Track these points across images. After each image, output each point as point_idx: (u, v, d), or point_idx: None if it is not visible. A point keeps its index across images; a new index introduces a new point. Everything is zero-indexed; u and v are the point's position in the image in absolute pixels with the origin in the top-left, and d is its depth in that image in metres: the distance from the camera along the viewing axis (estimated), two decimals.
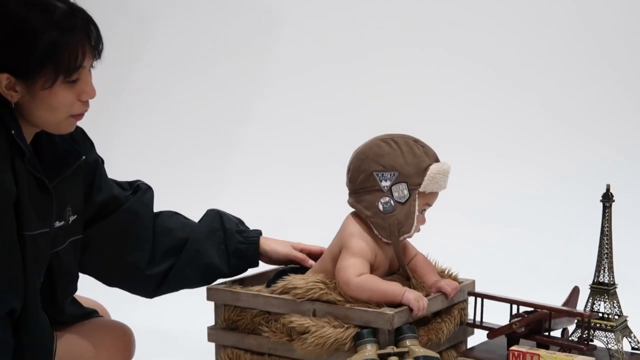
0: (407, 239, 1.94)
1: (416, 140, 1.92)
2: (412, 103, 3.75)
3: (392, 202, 1.88)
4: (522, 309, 1.95)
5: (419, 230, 1.93)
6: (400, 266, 1.92)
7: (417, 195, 1.89)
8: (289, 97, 3.91)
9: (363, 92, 3.82)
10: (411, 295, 1.80)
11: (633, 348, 1.92)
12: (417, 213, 1.89)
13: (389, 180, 1.88)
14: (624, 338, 1.89)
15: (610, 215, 1.88)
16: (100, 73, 1.70)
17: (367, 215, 1.89)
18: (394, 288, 1.82)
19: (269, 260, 2.07)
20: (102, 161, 1.98)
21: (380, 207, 1.88)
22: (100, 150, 1.96)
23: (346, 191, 1.95)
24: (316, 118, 3.82)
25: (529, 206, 3.46)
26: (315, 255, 2.07)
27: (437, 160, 1.91)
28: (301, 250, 2.07)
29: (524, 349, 1.85)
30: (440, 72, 3.86)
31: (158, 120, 3.85)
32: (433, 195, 1.92)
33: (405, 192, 1.88)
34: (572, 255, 3.04)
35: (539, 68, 3.88)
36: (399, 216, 1.88)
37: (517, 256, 3.10)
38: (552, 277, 2.81)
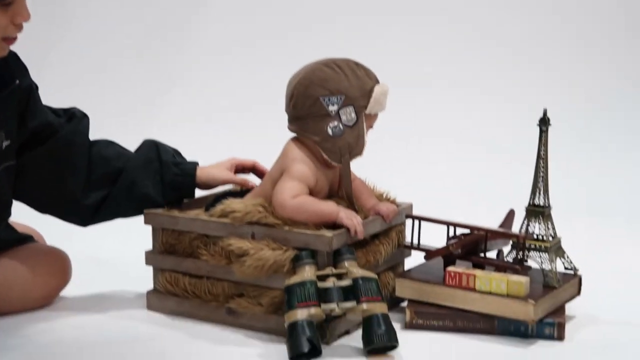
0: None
1: (357, 63, 1.91)
2: None
3: (340, 125, 1.88)
4: (459, 230, 1.98)
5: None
6: (345, 190, 1.92)
7: (364, 117, 1.89)
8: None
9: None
10: (344, 214, 1.81)
11: (566, 268, 1.96)
12: (366, 134, 1.89)
13: (336, 104, 1.87)
14: (558, 258, 1.92)
15: (546, 139, 1.90)
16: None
17: (316, 141, 1.88)
18: (329, 208, 1.83)
19: (209, 187, 2.06)
20: (37, 87, 1.93)
21: (330, 131, 1.88)
22: (34, 76, 1.92)
23: (280, 119, 1.94)
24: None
25: (467, 130, 3.48)
26: (248, 168, 2.09)
27: (378, 81, 1.91)
28: (237, 167, 2.07)
29: (460, 270, 1.88)
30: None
31: (98, 48, 3.76)
32: (375, 116, 1.93)
33: (353, 115, 1.88)
34: (509, 178, 3.08)
35: None
36: (349, 139, 1.88)
37: (454, 179, 3.13)
38: (488, 200, 2.84)
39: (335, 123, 1.88)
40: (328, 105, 1.87)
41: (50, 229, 2.16)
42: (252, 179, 2.09)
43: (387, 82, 1.94)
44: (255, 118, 3.49)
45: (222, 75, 3.62)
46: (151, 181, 1.98)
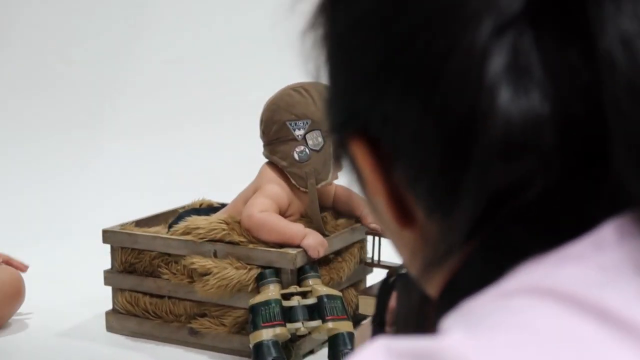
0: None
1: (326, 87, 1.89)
2: None
3: (307, 150, 1.86)
4: None
5: (336, 178, 1.92)
6: (311, 215, 1.89)
7: (331, 142, 1.86)
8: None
9: None
10: (311, 241, 1.78)
11: None
12: (333, 160, 1.87)
13: (302, 128, 1.86)
14: None
15: None
16: None
17: (284, 166, 1.87)
18: (294, 229, 1.80)
19: None
20: None
21: (296, 156, 1.86)
22: None
23: (259, 143, 1.92)
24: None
25: None
26: None
27: None
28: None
29: None
30: None
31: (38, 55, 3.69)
32: None
33: (320, 139, 1.87)
34: None
35: None
36: (316, 164, 1.86)
37: None
38: None
39: (302, 148, 1.86)
40: (294, 130, 1.85)
41: (3, 247, 2.09)
42: None
43: None
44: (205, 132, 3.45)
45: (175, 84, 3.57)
46: None
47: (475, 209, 0.42)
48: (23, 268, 2.03)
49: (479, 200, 0.41)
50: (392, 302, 0.73)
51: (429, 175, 0.44)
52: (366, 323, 0.79)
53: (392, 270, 0.78)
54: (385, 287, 0.74)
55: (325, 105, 0.50)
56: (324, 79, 0.50)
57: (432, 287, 0.49)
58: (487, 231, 0.43)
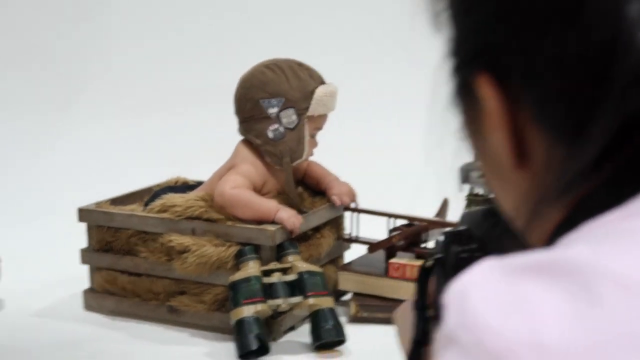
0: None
1: (300, 64, 1.88)
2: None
3: (281, 128, 1.84)
4: (399, 222, 1.97)
5: (312, 154, 1.91)
6: (288, 192, 1.88)
7: (306, 120, 1.86)
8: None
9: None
10: (284, 214, 1.78)
11: None
12: (307, 137, 1.86)
13: (276, 107, 1.84)
14: None
15: None
16: None
17: (258, 144, 1.85)
18: (267, 204, 1.79)
19: None
20: None
21: (270, 134, 1.84)
22: None
23: (234, 121, 1.90)
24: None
25: (403, 116, 3.46)
26: None
27: (322, 82, 1.88)
28: None
29: (403, 261, 1.87)
30: None
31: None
32: (322, 118, 1.90)
33: (294, 117, 1.85)
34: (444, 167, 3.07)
35: None
36: (290, 142, 1.85)
37: (391, 167, 3.12)
38: (422, 190, 2.84)
39: (276, 126, 1.84)
40: (268, 108, 1.84)
41: None
42: None
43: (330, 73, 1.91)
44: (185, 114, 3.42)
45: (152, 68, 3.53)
46: None
47: (608, 135, 0.44)
48: None
49: (612, 125, 0.44)
50: (431, 285, 0.76)
51: (563, 102, 0.46)
52: (404, 307, 0.82)
53: (428, 254, 0.82)
54: (424, 272, 0.78)
55: (450, 46, 0.52)
56: (444, 25, 0.52)
57: (537, 235, 0.50)
58: (613, 163, 0.45)
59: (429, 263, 0.77)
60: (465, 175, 1.54)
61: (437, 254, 0.77)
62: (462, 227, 1.20)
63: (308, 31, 3.51)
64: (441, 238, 1.18)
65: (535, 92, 0.47)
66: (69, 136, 3.23)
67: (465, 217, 1.06)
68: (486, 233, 1.05)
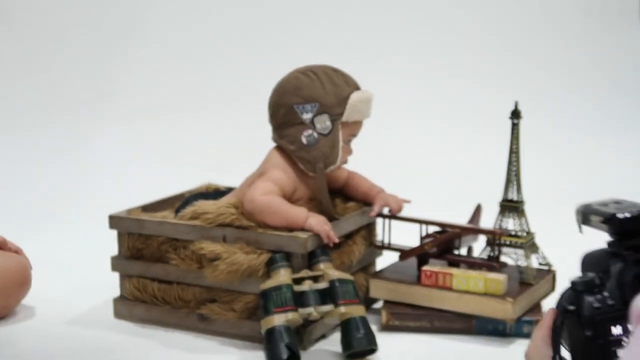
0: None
1: (335, 70, 1.86)
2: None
3: (315, 134, 1.83)
4: (431, 228, 1.94)
5: (346, 162, 1.89)
6: (320, 199, 1.86)
7: (340, 126, 1.84)
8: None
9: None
10: (314, 221, 1.76)
11: (540, 264, 1.94)
12: (341, 144, 1.84)
13: (310, 112, 1.82)
14: (532, 254, 1.90)
15: (518, 133, 1.87)
16: None
17: (292, 150, 1.84)
18: (297, 211, 1.77)
19: None
20: None
21: (304, 140, 1.83)
22: None
23: (268, 127, 1.89)
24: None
25: (437, 124, 3.44)
26: None
27: (357, 88, 1.86)
28: None
29: (435, 269, 1.85)
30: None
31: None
32: (357, 124, 1.88)
33: (328, 123, 1.83)
34: (481, 172, 3.04)
35: None
36: (324, 148, 1.83)
37: (425, 175, 3.10)
38: (459, 196, 2.80)
39: (310, 132, 1.83)
40: (302, 114, 1.82)
41: (8, 235, 2.06)
42: None
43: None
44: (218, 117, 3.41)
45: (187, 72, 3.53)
46: None
47: None
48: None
49: None
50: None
51: None
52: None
53: (558, 310, 1.03)
54: (557, 327, 0.92)
55: None
56: None
57: None
58: None
59: (560, 320, 0.90)
60: (586, 217, 1.52)
61: (568, 306, 0.83)
62: (589, 275, 1.24)
63: (345, 38, 3.50)
64: (568, 287, 1.24)
65: None
66: (101, 142, 3.24)
67: (587, 259, 1.18)
68: (618, 277, 1.17)
